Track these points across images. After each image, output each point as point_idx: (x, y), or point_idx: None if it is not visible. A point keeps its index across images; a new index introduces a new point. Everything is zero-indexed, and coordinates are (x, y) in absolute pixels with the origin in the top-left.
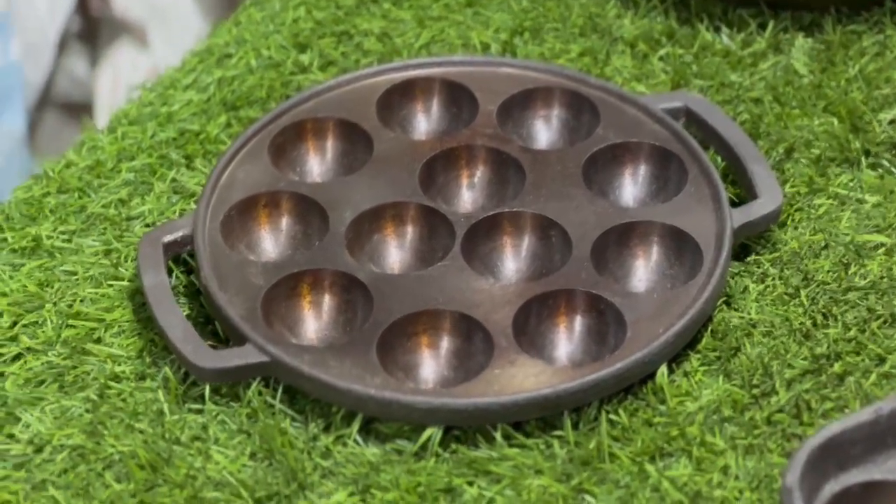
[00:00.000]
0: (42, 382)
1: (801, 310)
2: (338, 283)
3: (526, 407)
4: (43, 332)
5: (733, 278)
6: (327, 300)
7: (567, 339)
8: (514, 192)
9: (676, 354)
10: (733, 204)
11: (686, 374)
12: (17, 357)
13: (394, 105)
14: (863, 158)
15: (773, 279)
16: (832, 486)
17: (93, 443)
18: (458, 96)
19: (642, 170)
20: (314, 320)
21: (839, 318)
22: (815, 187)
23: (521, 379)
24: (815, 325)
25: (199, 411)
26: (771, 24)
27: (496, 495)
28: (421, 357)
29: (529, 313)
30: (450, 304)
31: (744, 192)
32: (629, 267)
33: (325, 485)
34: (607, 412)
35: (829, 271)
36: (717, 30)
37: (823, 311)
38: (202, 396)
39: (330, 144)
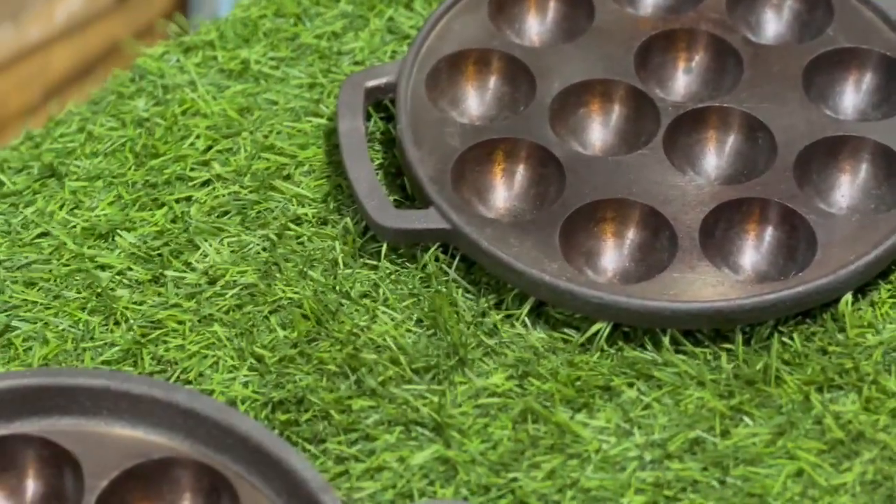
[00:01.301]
0: (226, 213)
1: None
2: (534, 156)
3: (698, 317)
4: (235, 160)
5: None
6: (521, 171)
7: (754, 249)
8: (730, 85)
9: (866, 282)
10: None
11: (872, 304)
12: (206, 183)
13: None
14: None
15: None
16: None
17: (265, 284)
18: None
19: (867, 79)
20: (504, 189)
21: None
22: None
23: (698, 286)
24: None
25: (374, 267)
26: None
27: (653, 401)
28: (604, 245)
29: (720, 217)
30: (642, 195)
31: None
32: (833, 181)
33: (486, 364)
34: (781, 333)
35: None
36: None
37: None
38: (378, 252)
39: (551, 5)
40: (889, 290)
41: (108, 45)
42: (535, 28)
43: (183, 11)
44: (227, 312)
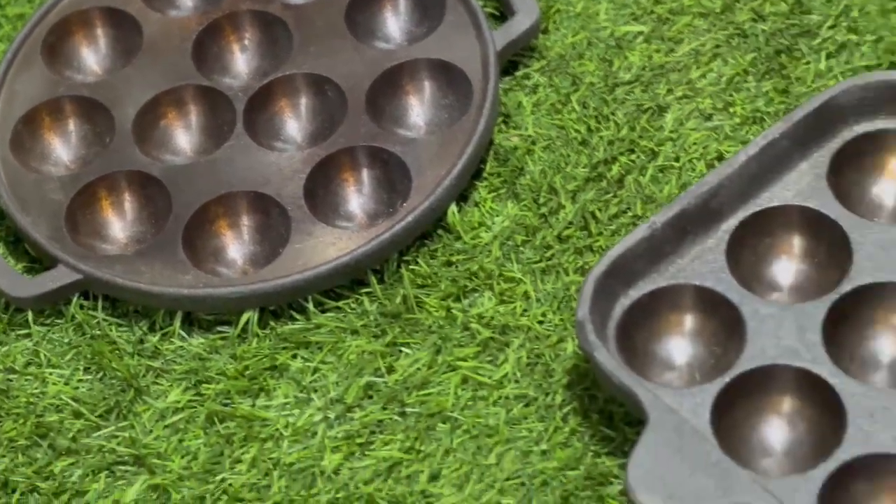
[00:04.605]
0: None
1: (574, 116)
2: (134, 182)
3: (329, 277)
4: None
5: (507, 94)
6: (127, 200)
7: (358, 194)
8: (286, 53)
9: (464, 188)
10: (496, 18)
11: (476, 204)
12: None
13: None
14: None
15: (545, 88)
16: (623, 303)
17: None
18: None
19: (402, 3)
20: (119, 221)
21: (610, 118)
22: None
23: (321, 249)
24: (589, 129)
25: (28, 335)
26: None
27: (319, 364)
28: (225, 240)
29: (318, 178)
30: (243, 184)
31: (501, 6)
32: (405, 106)
33: (160, 385)
34: (407, 263)
35: (594, 71)
36: None
37: (595, 114)
38: (27, 321)
39: (99, 32)
40: (486, 187)
41: None
42: (92, 59)
43: None
44: None
